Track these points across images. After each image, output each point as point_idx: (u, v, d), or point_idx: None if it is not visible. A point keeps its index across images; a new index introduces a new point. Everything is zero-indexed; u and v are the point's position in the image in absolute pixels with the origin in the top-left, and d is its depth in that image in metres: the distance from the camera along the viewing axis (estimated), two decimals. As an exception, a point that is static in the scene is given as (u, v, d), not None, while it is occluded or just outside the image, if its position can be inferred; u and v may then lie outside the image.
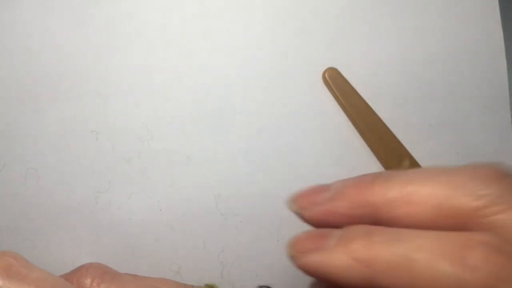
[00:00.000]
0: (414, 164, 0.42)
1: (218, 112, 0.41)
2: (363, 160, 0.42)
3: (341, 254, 0.20)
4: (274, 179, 0.41)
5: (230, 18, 0.43)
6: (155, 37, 0.42)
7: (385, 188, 0.22)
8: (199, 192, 0.40)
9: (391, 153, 0.42)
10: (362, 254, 0.20)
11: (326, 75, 0.42)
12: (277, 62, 0.42)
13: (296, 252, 0.23)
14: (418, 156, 0.42)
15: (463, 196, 0.19)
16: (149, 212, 0.40)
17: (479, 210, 0.19)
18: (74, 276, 0.28)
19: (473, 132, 0.42)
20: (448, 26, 0.43)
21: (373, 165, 0.42)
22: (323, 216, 0.24)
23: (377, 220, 0.22)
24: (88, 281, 0.27)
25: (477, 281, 0.17)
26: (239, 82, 0.42)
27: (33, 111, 0.41)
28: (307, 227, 0.26)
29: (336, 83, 0.42)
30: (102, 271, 0.28)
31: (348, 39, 0.43)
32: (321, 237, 0.22)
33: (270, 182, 0.41)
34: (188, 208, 0.40)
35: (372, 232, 0.21)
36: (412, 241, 0.19)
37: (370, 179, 0.23)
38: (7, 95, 0.41)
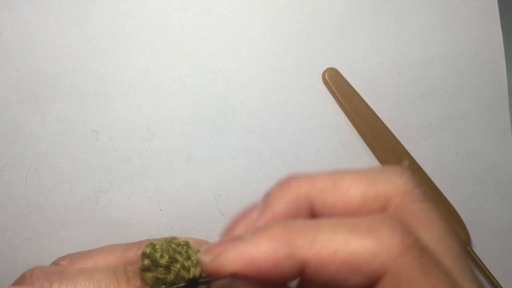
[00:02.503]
0: (413, 164, 0.42)
1: (218, 112, 0.41)
2: (362, 159, 0.42)
3: (262, 238, 0.21)
4: (274, 179, 0.41)
5: (230, 18, 0.43)
6: (155, 37, 0.42)
7: (314, 179, 0.24)
8: (199, 192, 0.40)
9: (391, 153, 0.42)
10: (283, 235, 0.21)
11: (326, 75, 0.42)
12: (277, 62, 0.42)
13: (212, 255, 0.22)
14: (418, 156, 0.42)
15: (382, 185, 0.22)
16: (149, 212, 0.40)
17: (394, 197, 0.22)
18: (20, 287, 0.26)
19: (473, 132, 0.42)
20: (448, 26, 0.43)
21: (372, 165, 0.42)
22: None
23: (313, 212, 0.24)
24: (38, 287, 0.25)
25: (382, 249, 0.20)
26: (239, 82, 0.42)
27: (33, 111, 0.41)
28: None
29: (336, 83, 0.42)
30: (47, 273, 0.26)
31: (348, 39, 0.43)
32: (235, 237, 0.23)
33: (270, 182, 0.41)
34: (188, 208, 0.40)
35: (289, 222, 0.22)
36: (330, 225, 0.21)
37: (294, 177, 0.25)
38: (7, 95, 0.41)
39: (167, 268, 0.25)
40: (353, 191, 0.23)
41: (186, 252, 0.26)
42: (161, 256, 0.25)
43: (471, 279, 0.21)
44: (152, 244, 0.26)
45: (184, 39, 0.42)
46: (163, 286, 0.25)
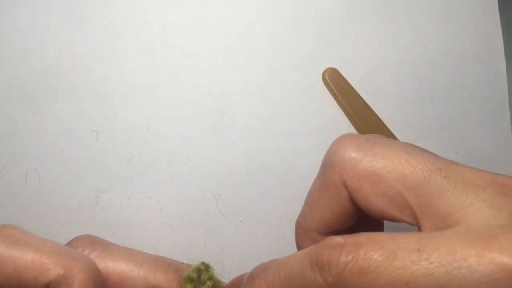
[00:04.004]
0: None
1: (218, 112, 0.41)
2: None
3: None
4: (274, 179, 0.41)
5: (230, 18, 0.43)
6: (155, 37, 0.42)
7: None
8: (199, 192, 0.40)
9: (391, 153, 0.42)
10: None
11: (326, 75, 0.42)
12: (277, 62, 0.42)
13: None
14: (418, 156, 0.42)
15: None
16: (149, 212, 0.40)
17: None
18: None
19: (472, 132, 0.42)
20: (448, 26, 0.43)
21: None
22: None
23: None
24: (79, 251, 0.28)
25: (326, 276, 0.24)
26: (239, 82, 0.42)
27: (33, 111, 0.41)
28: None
29: (336, 83, 0.42)
30: (92, 241, 0.29)
31: (348, 39, 0.43)
32: (236, 282, 0.29)
33: (270, 182, 0.41)
34: (188, 208, 0.40)
35: (268, 267, 0.27)
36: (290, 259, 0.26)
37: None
38: (7, 95, 0.41)
39: None
40: None
41: None
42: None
43: None
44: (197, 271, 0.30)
45: (184, 39, 0.42)
46: None
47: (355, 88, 0.42)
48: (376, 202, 0.26)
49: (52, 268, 0.25)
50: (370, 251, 0.23)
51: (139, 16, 0.42)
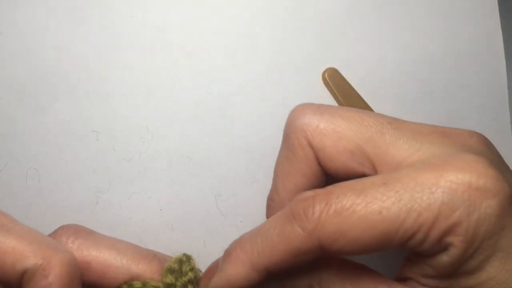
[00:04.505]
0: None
1: (218, 112, 0.41)
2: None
3: (227, 265, 0.27)
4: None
5: (230, 18, 0.43)
6: (155, 37, 0.42)
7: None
8: (199, 192, 0.40)
9: (391, 153, 0.42)
10: (240, 255, 0.27)
11: (326, 75, 0.42)
12: (277, 62, 0.42)
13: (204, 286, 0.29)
14: (418, 156, 0.42)
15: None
16: (149, 212, 0.40)
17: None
18: (51, 237, 0.29)
19: (473, 132, 0.42)
20: (448, 26, 0.43)
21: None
22: None
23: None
24: (63, 239, 0.28)
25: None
26: (239, 82, 0.42)
27: (33, 111, 0.41)
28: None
29: (336, 83, 0.42)
30: (76, 230, 0.29)
31: (348, 39, 0.43)
32: (212, 267, 0.29)
33: (270, 182, 0.41)
34: (188, 208, 0.40)
35: (242, 239, 0.28)
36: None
37: None
38: (7, 95, 0.41)
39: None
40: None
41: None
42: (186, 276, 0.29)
43: None
44: (179, 261, 0.30)
45: (184, 39, 0.42)
46: None
47: (355, 88, 0.42)
48: (338, 158, 0.29)
49: (31, 257, 0.26)
50: (341, 194, 0.25)
51: (139, 16, 0.42)
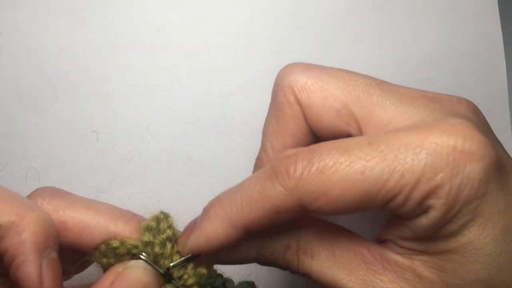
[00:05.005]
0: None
1: (218, 112, 0.41)
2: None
3: (205, 222, 0.27)
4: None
5: (230, 18, 0.43)
6: (155, 37, 0.42)
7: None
8: (199, 192, 0.40)
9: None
10: (219, 212, 0.27)
11: (326, 75, 0.42)
12: (277, 62, 0.42)
13: (181, 246, 0.28)
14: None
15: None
16: (149, 212, 0.40)
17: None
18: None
19: (473, 132, 0.42)
20: (448, 26, 0.43)
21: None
22: None
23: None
24: (39, 200, 0.28)
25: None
26: (239, 82, 0.42)
27: (33, 111, 0.41)
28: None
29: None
30: (53, 191, 0.29)
31: (348, 39, 0.43)
32: (190, 225, 0.29)
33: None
34: (188, 208, 0.40)
35: (222, 196, 0.28)
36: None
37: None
38: (7, 95, 0.41)
39: (163, 244, 0.28)
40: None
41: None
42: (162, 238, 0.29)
43: None
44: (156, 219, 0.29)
45: (184, 39, 0.42)
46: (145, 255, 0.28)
47: (355, 88, 0.42)
48: (325, 116, 0.28)
49: (4, 213, 0.25)
50: (324, 152, 0.25)
51: (139, 16, 0.42)
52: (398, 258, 0.26)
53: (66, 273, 0.30)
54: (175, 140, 0.41)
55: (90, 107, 0.41)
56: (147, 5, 0.43)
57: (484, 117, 0.29)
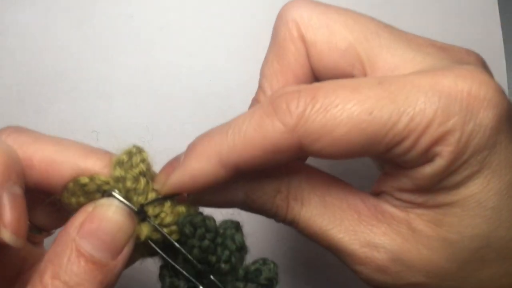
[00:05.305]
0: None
1: (218, 112, 0.41)
2: (361, 160, 0.42)
3: (192, 160, 0.24)
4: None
5: (230, 18, 0.43)
6: (155, 37, 0.42)
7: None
8: (199, 192, 0.40)
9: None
10: (208, 150, 0.24)
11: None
12: (277, 62, 0.42)
13: (160, 184, 0.26)
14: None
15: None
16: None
17: None
18: None
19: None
20: (448, 26, 0.43)
21: (371, 165, 0.42)
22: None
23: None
24: (3, 137, 0.26)
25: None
26: (239, 82, 0.42)
27: (33, 111, 0.41)
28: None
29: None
30: (18, 128, 0.27)
31: (348, 39, 0.43)
32: (172, 161, 0.26)
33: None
34: (188, 208, 0.40)
35: (200, 137, 0.25)
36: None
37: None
38: (7, 95, 0.41)
39: (137, 178, 0.26)
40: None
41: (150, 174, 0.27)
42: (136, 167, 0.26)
43: None
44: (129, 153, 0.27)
45: (184, 39, 0.42)
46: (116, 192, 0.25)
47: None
48: (329, 55, 0.26)
49: None
50: (330, 90, 0.23)
51: (139, 16, 0.42)
52: (394, 210, 0.25)
53: (47, 228, 0.29)
54: (175, 140, 0.41)
55: (91, 107, 0.41)
56: (147, 5, 0.43)
57: (491, 72, 0.27)
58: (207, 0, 0.43)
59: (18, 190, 0.24)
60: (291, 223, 0.26)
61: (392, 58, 0.25)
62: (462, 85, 0.22)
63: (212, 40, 0.42)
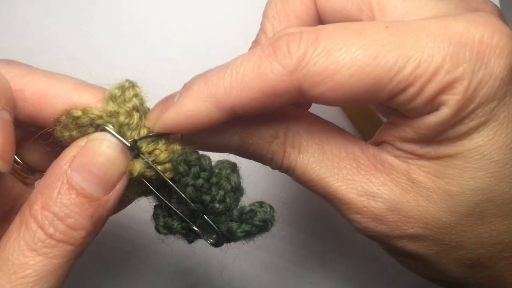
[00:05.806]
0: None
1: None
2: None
3: (186, 99, 0.24)
4: (274, 179, 0.41)
5: (230, 18, 0.43)
6: (155, 37, 0.42)
7: None
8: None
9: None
10: (203, 90, 0.23)
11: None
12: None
13: (152, 122, 0.25)
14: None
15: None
16: (149, 212, 0.40)
17: None
18: None
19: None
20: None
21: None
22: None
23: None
24: None
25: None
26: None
27: (33, 111, 0.41)
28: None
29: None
30: (10, 61, 0.26)
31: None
32: (166, 99, 0.25)
33: (270, 182, 0.41)
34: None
35: (207, 73, 0.24)
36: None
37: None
38: (7, 95, 0.41)
39: (130, 113, 0.25)
40: None
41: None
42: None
43: None
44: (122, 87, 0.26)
45: (184, 39, 0.42)
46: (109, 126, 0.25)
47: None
48: None
49: None
50: (333, 32, 0.22)
51: (139, 16, 0.42)
52: (394, 160, 0.24)
53: (40, 169, 0.28)
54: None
55: (90, 107, 0.41)
56: (147, 5, 0.42)
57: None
58: (207, 0, 0.43)
59: (6, 115, 0.23)
60: (287, 170, 0.25)
61: (403, 4, 0.24)
62: (473, 31, 0.21)
63: (212, 40, 0.42)
